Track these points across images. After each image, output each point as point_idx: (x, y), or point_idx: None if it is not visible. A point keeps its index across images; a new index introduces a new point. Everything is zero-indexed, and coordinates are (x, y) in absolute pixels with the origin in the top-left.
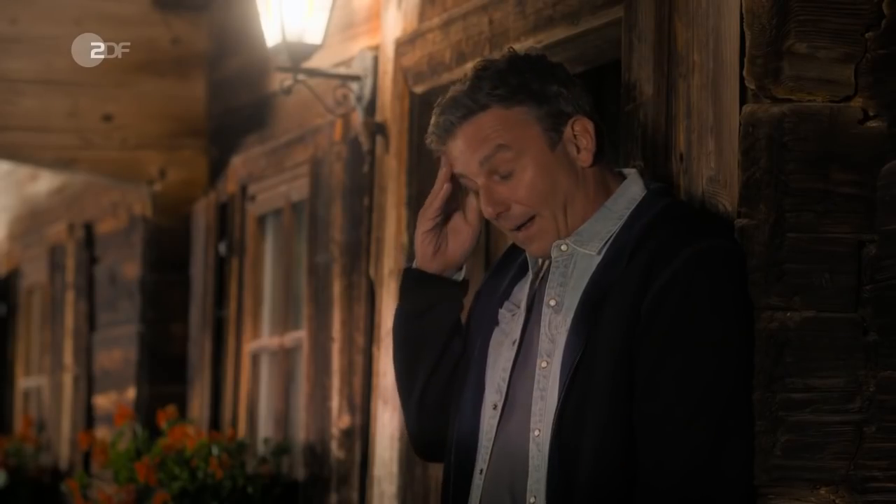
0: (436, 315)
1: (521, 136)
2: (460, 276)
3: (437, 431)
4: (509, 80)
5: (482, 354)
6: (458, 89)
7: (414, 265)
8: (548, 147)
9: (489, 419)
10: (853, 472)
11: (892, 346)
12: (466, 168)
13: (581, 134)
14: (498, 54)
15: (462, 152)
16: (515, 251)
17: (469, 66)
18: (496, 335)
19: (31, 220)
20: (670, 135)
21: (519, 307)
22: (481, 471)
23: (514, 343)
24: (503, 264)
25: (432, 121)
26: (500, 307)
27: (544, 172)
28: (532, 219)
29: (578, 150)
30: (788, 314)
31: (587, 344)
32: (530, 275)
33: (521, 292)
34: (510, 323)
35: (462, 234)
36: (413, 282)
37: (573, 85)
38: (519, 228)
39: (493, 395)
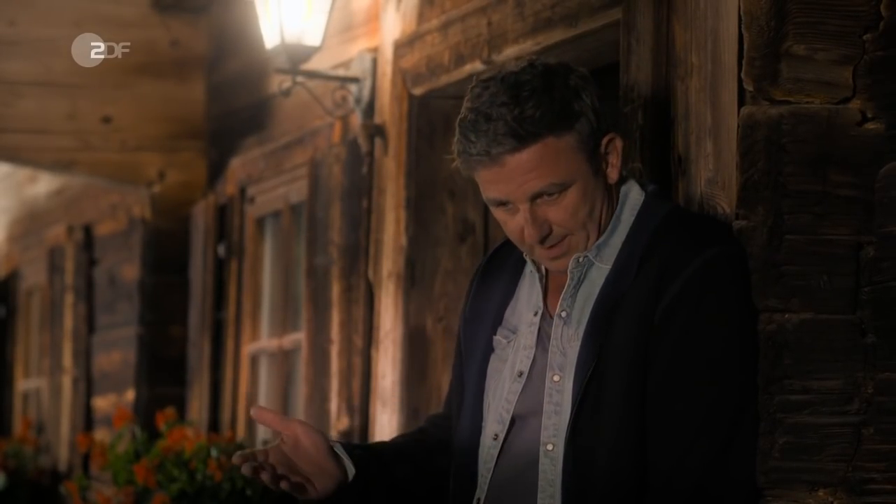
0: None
1: (571, 167)
2: (350, 472)
3: None
4: (555, 105)
5: (479, 384)
6: (499, 112)
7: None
8: (592, 173)
9: (489, 449)
10: (851, 474)
11: (891, 348)
12: (507, 195)
13: (612, 151)
14: (513, 62)
15: (507, 181)
16: (493, 269)
17: (468, 69)
18: (493, 362)
19: (30, 222)
20: (669, 137)
21: (515, 333)
22: (478, 500)
23: (520, 375)
24: (483, 286)
25: (466, 144)
26: (494, 333)
27: (586, 198)
28: (564, 237)
29: (607, 166)
30: (786, 316)
31: (599, 355)
32: (524, 299)
33: (514, 317)
34: (506, 350)
35: (313, 447)
36: None
37: (597, 97)
38: (547, 244)
39: (495, 425)
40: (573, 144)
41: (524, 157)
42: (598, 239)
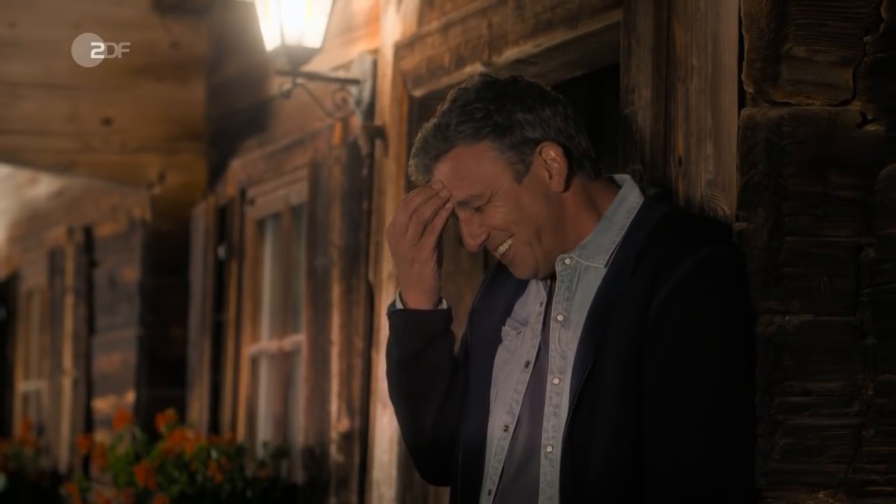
0: (436, 351)
1: (488, 176)
2: (445, 305)
3: (448, 459)
4: (474, 114)
5: (486, 374)
6: (430, 125)
7: (402, 305)
8: (514, 180)
9: (499, 440)
10: (852, 476)
11: (891, 350)
12: None
13: (550, 160)
14: (491, 67)
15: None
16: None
17: (468, 71)
18: (501, 354)
19: (30, 224)
20: (669, 138)
21: (524, 325)
22: (490, 492)
23: (527, 364)
24: (497, 280)
25: (411, 158)
26: (503, 325)
27: (512, 205)
28: (510, 240)
29: (551, 176)
30: (787, 318)
31: (596, 357)
32: (533, 291)
33: (525, 310)
34: (515, 341)
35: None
36: (407, 323)
37: (542, 108)
38: (492, 250)
39: (504, 416)
40: (488, 152)
41: (444, 166)
42: (555, 249)
